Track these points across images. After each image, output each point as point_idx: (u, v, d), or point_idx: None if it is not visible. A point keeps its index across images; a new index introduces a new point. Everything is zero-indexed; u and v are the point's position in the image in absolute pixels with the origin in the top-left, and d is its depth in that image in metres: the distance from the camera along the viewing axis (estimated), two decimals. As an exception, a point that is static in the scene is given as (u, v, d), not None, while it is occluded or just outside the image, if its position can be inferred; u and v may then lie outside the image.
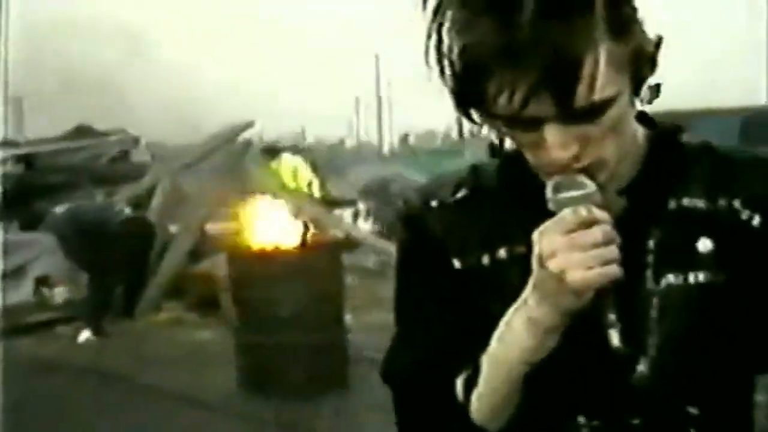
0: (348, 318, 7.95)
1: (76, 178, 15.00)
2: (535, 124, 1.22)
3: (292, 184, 12.02)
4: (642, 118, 1.35)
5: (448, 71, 1.22)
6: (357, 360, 7.43)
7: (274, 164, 12.10)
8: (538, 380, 1.30)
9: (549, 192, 1.24)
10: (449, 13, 1.21)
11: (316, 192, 12.75)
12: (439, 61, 1.23)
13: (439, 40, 1.22)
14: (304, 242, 7.83)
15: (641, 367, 1.30)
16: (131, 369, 8.15)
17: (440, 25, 1.22)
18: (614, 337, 1.21)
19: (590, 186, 1.23)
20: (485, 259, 1.37)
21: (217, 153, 12.36)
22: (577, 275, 1.18)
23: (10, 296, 9.95)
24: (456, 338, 1.38)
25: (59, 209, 10.73)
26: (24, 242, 11.28)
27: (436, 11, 1.23)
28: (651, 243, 1.32)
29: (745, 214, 1.32)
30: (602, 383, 1.31)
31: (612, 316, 1.21)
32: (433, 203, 1.43)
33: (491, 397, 1.33)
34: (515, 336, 1.29)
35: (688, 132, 1.39)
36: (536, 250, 1.22)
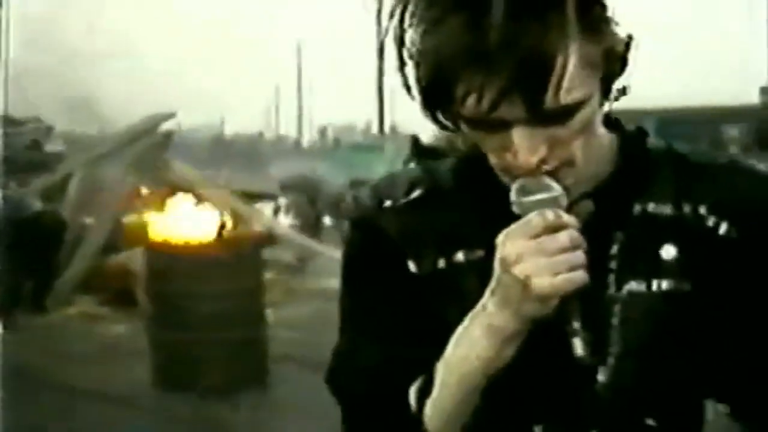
0: (266, 313, 7.86)
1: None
2: (503, 126, 1.19)
3: None
4: (606, 119, 1.32)
5: (413, 71, 1.19)
6: (276, 356, 7.36)
7: None
8: (496, 389, 1.26)
9: (514, 195, 1.21)
10: (415, 11, 1.18)
11: None
12: (400, 60, 1.20)
13: (402, 39, 1.19)
14: (221, 235, 7.73)
15: (601, 377, 1.27)
16: (41, 364, 7.96)
17: (402, 22, 1.19)
18: (578, 346, 1.18)
19: (556, 189, 1.20)
20: (441, 263, 1.32)
21: (136, 144, 12.15)
22: (543, 281, 1.15)
23: None
24: (409, 345, 1.32)
25: None
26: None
27: (403, 9, 1.19)
28: (615, 248, 1.28)
29: (711, 221, 1.29)
30: (561, 393, 1.27)
31: (576, 324, 1.18)
32: (387, 203, 1.37)
33: (445, 405, 1.28)
34: (473, 343, 1.24)
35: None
36: (500, 253, 1.18)
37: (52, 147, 15.94)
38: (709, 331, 1.28)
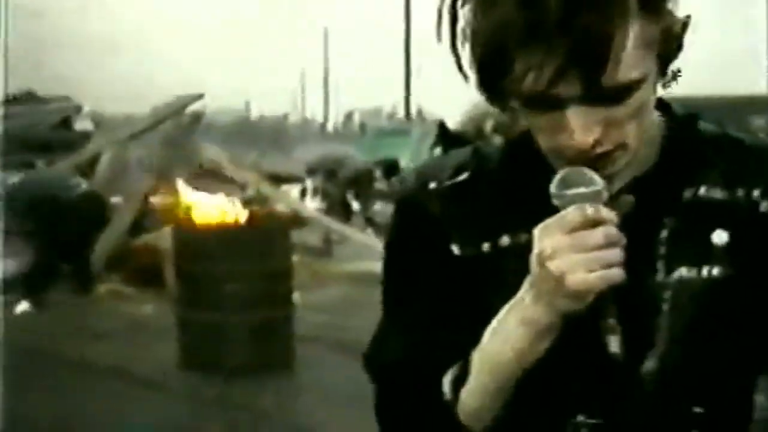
0: (293, 296, 7.88)
1: (15, 145, 14.70)
2: (559, 105, 1.17)
3: None
4: (657, 103, 1.30)
5: (469, 50, 1.19)
6: (303, 338, 7.37)
7: None
8: (531, 380, 1.25)
9: (554, 187, 1.19)
10: None
11: None
12: (453, 39, 1.20)
13: (455, 18, 1.20)
14: (248, 216, 7.75)
15: (649, 364, 1.25)
16: (69, 343, 8.02)
17: (455, 1, 1.20)
18: (613, 343, 1.17)
19: (598, 183, 1.18)
20: (486, 246, 1.31)
21: (164, 125, 12.19)
22: (577, 278, 1.14)
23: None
24: (447, 329, 1.32)
25: (13, 178, 10.51)
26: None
27: None
28: (664, 234, 1.27)
29: (764, 206, 1.28)
30: (605, 382, 1.25)
31: (612, 321, 1.17)
32: (432, 185, 1.36)
33: (479, 394, 1.27)
34: (508, 334, 1.24)
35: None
36: (536, 248, 1.17)
37: (81, 126, 16.00)
38: (759, 317, 1.27)
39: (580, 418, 1.27)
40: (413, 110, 34.56)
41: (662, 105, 1.32)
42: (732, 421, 1.30)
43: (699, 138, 1.32)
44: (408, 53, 33.47)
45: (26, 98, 16.67)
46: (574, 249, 1.14)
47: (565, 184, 1.18)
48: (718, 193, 1.28)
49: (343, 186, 15.71)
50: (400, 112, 35.95)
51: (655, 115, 1.30)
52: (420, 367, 1.31)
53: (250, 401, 6.48)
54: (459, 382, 1.28)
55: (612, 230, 1.15)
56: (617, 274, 1.14)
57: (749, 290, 1.26)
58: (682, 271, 1.26)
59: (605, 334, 1.17)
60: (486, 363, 1.26)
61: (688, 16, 1.22)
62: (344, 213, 14.78)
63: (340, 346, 7.15)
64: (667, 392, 1.26)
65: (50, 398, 6.57)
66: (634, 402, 1.26)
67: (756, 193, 1.28)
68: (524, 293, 1.21)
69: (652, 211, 1.26)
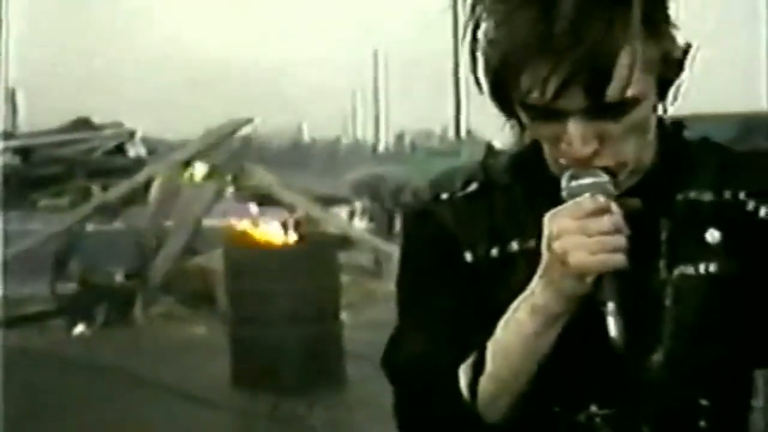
0: (343, 315, 7.98)
1: (72, 171, 15.01)
2: (560, 117, 1.26)
3: None
4: None
5: (482, 62, 1.27)
6: (353, 356, 7.46)
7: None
8: (544, 371, 1.32)
9: (564, 181, 1.27)
10: (490, 6, 1.26)
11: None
12: (472, 52, 1.28)
13: (475, 34, 1.28)
14: (297, 237, 7.86)
15: (656, 356, 1.33)
16: (125, 362, 8.15)
17: (477, 17, 1.28)
18: (612, 327, 1.22)
19: (604, 176, 1.26)
20: (495, 252, 1.39)
21: (215, 149, 12.36)
22: (579, 257, 1.22)
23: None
24: (461, 331, 1.39)
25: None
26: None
27: (474, 5, 1.28)
28: (663, 235, 1.35)
29: (750, 205, 1.36)
30: (616, 373, 1.32)
31: (611, 305, 1.22)
32: (443, 196, 1.44)
33: (494, 382, 1.34)
34: (519, 323, 1.31)
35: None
36: (545, 230, 1.25)
37: (135, 151, 16.22)
38: (757, 309, 1.35)
39: (593, 408, 1.35)
40: (463, 131, 34.47)
41: None
42: (735, 410, 1.38)
43: (686, 145, 1.41)
44: (457, 74, 33.45)
45: (81, 125, 16.93)
46: (579, 231, 1.22)
47: (574, 177, 1.27)
48: (707, 196, 1.36)
49: (387, 205, 15.78)
50: (451, 133, 35.86)
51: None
52: (435, 366, 1.37)
53: (302, 417, 6.57)
54: (476, 368, 1.34)
55: (618, 219, 1.23)
56: (619, 259, 1.21)
57: (746, 285, 1.34)
58: (682, 269, 1.34)
59: (606, 317, 1.22)
60: (499, 352, 1.33)
61: (689, 43, 1.29)
62: (389, 232, 14.84)
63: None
64: (673, 384, 1.33)
65: (107, 414, 6.72)
66: (643, 393, 1.33)
67: (742, 194, 1.36)
68: (535, 283, 1.29)
69: (650, 214, 1.34)
